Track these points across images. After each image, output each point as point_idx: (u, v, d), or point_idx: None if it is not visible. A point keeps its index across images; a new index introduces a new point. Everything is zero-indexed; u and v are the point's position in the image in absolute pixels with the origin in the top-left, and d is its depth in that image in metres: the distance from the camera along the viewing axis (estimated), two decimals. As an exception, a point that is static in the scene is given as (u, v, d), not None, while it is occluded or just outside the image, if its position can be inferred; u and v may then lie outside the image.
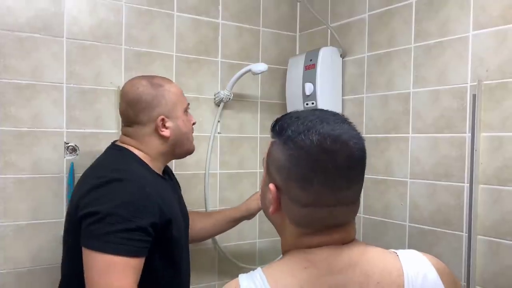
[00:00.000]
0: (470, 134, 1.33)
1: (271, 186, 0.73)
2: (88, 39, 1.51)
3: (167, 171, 1.35)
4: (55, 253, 1.47)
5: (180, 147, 1.28)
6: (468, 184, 1.33)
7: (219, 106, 1.75)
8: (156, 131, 1.22)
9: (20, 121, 1.41)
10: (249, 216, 1.52)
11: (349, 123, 0.74)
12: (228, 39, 1.78)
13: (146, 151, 1.23)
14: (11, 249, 1.41)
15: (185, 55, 1.69)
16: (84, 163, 1.50)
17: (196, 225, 1.48)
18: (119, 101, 1.29)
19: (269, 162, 0.74)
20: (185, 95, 1.66)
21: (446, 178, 1.40)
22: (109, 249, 1.03)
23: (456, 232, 1.37)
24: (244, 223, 1.78)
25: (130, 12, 1.58)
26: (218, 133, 1.77)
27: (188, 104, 1.31)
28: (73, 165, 1.48)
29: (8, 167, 1.40)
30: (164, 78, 1.29)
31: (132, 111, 1.21)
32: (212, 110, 1.76)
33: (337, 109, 1.73)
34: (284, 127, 0.72)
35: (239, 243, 1.81)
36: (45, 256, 1.45)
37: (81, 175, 1.24)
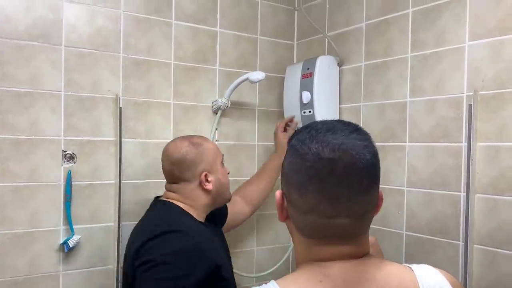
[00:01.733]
0: (466, 144, 1.34)
1: (277, 192, 0.75)
2: (87, 47, 1.51)
3: (210, 217, 1.44)
4: (52, 261, 1.47)
5: (221, 197, 1.41)
6: (465, 193, 1.34)
7: (217, 114, 1.76)
8: (200, 185, 1.35)
9: (17, 129, 1.41)
10: (279, 156, 1.63)
11: (361, 133, 0.72)
12: (226, 47, 1.79)
13: (192, 204, 1.35)
14: (8, 257, 1.40)
15: (183, 63, 1.70)
16: (81, 171, 1.51)
17: (254, 193, 1.66)
18: (162, 161, 1.40)
19: (281, 172, 0.75)
20: (183, 103, 1.69)
21: (443, 187, 1.41)
22: None
23: (453, 241, 1.38)
24: (242, 230, 1.79)
25: (129, 20, 1.59)
26: (216, 140, 1.78)
27: (223, 155, 1.44)
28: (70, 173, 1.48)
29: (6, 175, 1.40)
30: (201, 136, 1.45)
31: (178, 170, 1.35)
32: (210, 118, 1.76)
33: (334, 117, 1.72)
34: (293, 136, 0.74)
35: (236, 251, 1.80)
36: (42, 264, 1.45)
37: (131, 233, 1.35)
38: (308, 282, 0.69)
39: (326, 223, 0.68)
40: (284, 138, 1.69)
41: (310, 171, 0.67)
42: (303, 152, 0.68)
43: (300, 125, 1.70)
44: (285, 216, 0.75)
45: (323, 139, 0.68)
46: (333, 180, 0.67)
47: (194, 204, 1.35)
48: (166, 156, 1.38)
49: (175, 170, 1.35)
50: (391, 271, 0.72)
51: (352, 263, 0.70)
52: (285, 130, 1.75)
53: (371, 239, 1.07)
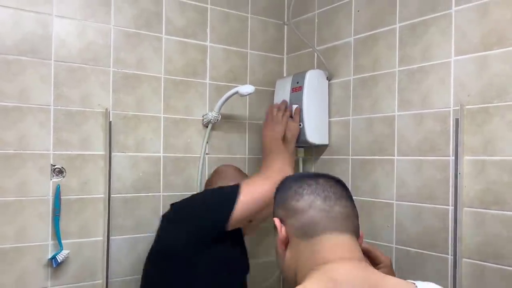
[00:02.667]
0: (453, 157, 1.35)
1: (275, 219, 0.85)
2: (76, 61, 1.52)
3: None
4: (40, 276, 1.46)
5: None
6: (453, 207, 1.35)
7: (207, 127, 1.76)
8: None
9: (6, 144, 1.41)
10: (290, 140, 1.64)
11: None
12: (216, 61, 1.80)
13: None
14: (-6, 273, 1.39)
15: (173, 77, 1.70)
16: (70, 185, 1.50)
17: None
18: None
19: (274, 208, 0.89)
20: (173, 116, 1.70)
21: (431, 201, 1.42)
22: None
23: (442, 255, 1.38)
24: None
25: (118, 35, 1.59)
26: (206, 154, 1.78)
27: None
28: (59, 187, 1.48)
29: (-7, 190, 1.39)
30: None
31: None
32: (200, 131, 1.77)
33: (324, 131, 1.74)
34: (278, 186, 0.92)
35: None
36: (30, 279, 1.44)
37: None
38: None
39: (324, 216, 0.79)
40: (294, 122, 1.65)
41: (300, 185, 0.84)
42: (290, 182, 0.87)
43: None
44: (285, 240, 0.83)
45: (302, 176, 0.90)
46: (320, 185, 0.83)
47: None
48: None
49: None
50: (395, 282, 0.77)
51: (354, 264, 0.76)
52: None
53: (385, 260, 1.10)
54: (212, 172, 1.66)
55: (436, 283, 1.35)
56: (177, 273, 1.30)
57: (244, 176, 1.59)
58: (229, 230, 1.30)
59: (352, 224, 0.81)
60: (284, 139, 1.63)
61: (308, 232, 0.79)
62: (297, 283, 0.77)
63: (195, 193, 1.53)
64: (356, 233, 0.81)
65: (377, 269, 1.09)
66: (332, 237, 0.78)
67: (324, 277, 0.73)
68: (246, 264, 1.48)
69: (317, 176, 0.86)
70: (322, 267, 0.75)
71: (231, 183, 1.42)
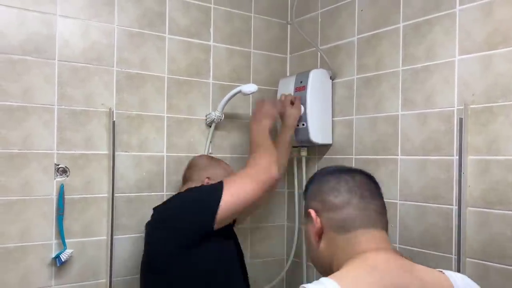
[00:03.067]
0: (457, 157, 1.35)
1: (311, 210, 0.87)
2: (80, 61, 1.52)
3: None
4: (44, 275, 1.46)
5: None
6: (457, 207, 1.35)
7: (210, 126, 1.77)
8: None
9: (10, 143, 1.41)
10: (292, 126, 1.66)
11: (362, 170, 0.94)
12: (219, 61, 1.80)
13: None
14: (-1, 272, 1.40)
15: (177, 77, 1.71)
16: (74, 185, 1.51)
17: None
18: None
19: (307, 201, 0.92)
20: (176, 116, 1.70)
21: (435, 200, 1.41)
22: None
23: (445, 254, 1.38)
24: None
25: (122, 34, 1.60)
26: (210, 153, 1.78)
27: None
28: (63, 186, 1.48)
29: (-2, 189, 1.40)
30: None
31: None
32: (203, 131, 1.77)
33: (327, 130, 1.74)
34: (310, 179, 0.95)
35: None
36: (34, 278, 1.44)
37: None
38: (360, 273, 0.77)
39: (360, 213, 0.83)
40: (295, 108, 1.65)
41: (337, 181, 0.87)
42: (327, 174, 0.90)
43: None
44: (319, 231, 0.86)
45: (336, 169, 0.92)
46: (356, 183, 0.86)
47: None
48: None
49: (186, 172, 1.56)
50: (424, 268, 0.82)
51: (391, 252, 0.81)
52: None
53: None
54: (187, 165, 1.60)
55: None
56: (170, 280, 1.30)
57: (218, 164, 1.57)
58: (215, 229, 1.29)
59: (384, 219, 0.86)
60: (283, 125, 1.64)
61: (345, 227, 0.83)
62: (333, 272, 0.80)
63: (175, 193, 1.51)
64: (386, 228, 0.86)
65: None
66: (367, 232, 0.82)
67: (364, 264, 0.78)
68: (239, 251, 1.48)
69: (353, 171, 0.90)
70: (361, 256, 0.79)
71: (207, 175, 1.47)
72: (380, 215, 0.85)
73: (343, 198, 0.84)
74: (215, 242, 1.31)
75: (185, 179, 1.56)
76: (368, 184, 0.87)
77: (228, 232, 1.44)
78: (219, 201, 1.27)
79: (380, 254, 0.80)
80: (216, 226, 1.28)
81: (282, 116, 1.65)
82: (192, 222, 1.29)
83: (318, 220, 0.86)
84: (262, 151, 1.42)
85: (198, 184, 1.47)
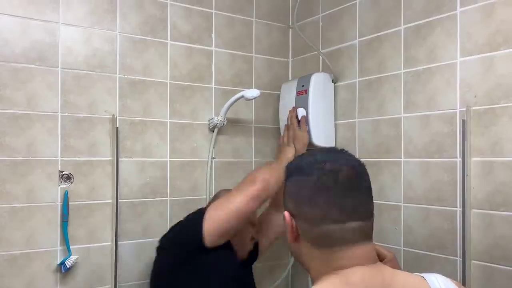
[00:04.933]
0: (461, 159, 1.34)
1: (285, 213, 0.80)
2: (83, 68, 1.53)
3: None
4: (49, 282, 1.47)
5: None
6: (461, 209, 1.34)
7: (213, 131, 1.77)
8: None
9: (14, 151, 1.42)
10: (301, 151, 1.63)
11: (347, 152, 0.84)
12: (221, 66, 1.81)
13: None
14: (4, 278, 1.40)
15: (179, 82, 1.71)
16: (78, 191, 1.51)
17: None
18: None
19: (284, 197, 0.83)
20: (179, 121, 1.71)
21: (439, 203, 1.41)
22: None
23: (450, 257, 1.37)
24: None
25: (124, 41, 1.61)
26: (213, 158, 1.78)
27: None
28: (67, 193, 1.49)
29: (2, 197, 1.40)
30: None
31: None
32: (206, 135, 1.77)
33: (330, 133, 1.74)
34: (291, 163, 0.85)
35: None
36: (39, 285, 1.45)
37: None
38: None
39: (339, 229, 0.75)
40: (303, 131, 1.66)
41: (317, 184, 0.77)
42: (308, 172, 0.78)
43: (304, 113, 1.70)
44: (295, 236, 0.80)
45: (322, 158, 0.79)
46: (338, 189, 0.76)
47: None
48: None
49: None
50: (405, 278, 0.78)
51: (370, 268, 0.75)
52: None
53: (389, 254, 1.10)
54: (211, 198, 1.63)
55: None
56: None
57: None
58: (209, 245, 1.30)
59: (367, 226, 0.77)
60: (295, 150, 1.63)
61: (321, 244, 0.76)
62: (311, 275, 0.78)
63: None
64: (370, 235, 0.78)
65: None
66: (345, 249, 0.75)
67: (338, 282, 0.74)
68: (235, 261, 1.46)
69: (338, 166, 0.77)
70: (337, 272, 0.75)
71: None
72: (362, 224, 0.76)
73: (320, 212, 0.75)
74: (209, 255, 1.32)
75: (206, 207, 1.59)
76: (351, 183, 0.77)
77: (234, 269, 1.42)
78: (203, 214, 1.31)
79: (358, 272, 0.74)
80: (208, 240, 1.29)
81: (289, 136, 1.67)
82: (183, 238, 1.36)
83: (295, 226, 0.79)
84: (264, 168, 1.47)
85: None
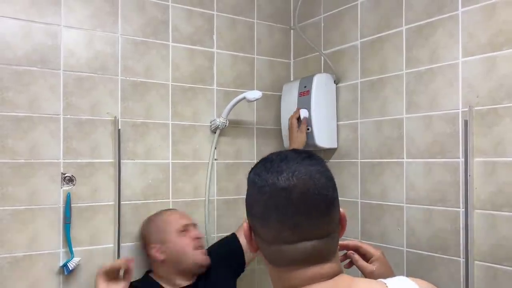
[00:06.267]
0: (463, 159, 1.34)
1: (244, 224, 0.77)
2: (85, 71, 1.54)
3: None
4: (52, 284, 1.47)
5: (184, 264, 1.48)
6: (464, 209, 1.34)
7: (215, 133, 1.77)
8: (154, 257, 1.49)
9: (17, 153, 1.42)
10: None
11: (313, 159, 0.75)
12: (223, 68, 1.81)
13: (158, 275, 1.52)
14: (7, 280, 1.40)
15: (181, 84, 1.71)
16: (80, 193, 1.52)
17: None
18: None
19: (246, 205, 0.78)
20: (181, 123, 1.70)
21: (442, 203, 1.40)
22: None
23: (454, 258, 1.37)
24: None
25: (126, 43, 1.61)
26: (215, 159, 1.78)
27: (185, 225, 1.50)
28: (69, 195, 1.49)
29: (5, 199, 1.41)
30: (166, 210, 1.60)
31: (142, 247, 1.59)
32: (208, 137, 1.77)
33: (332, 134, 1.74)
34: (251, 170, 0.77)
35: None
36: (42, 287, 1.45)
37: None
38: None
39: (292, 249, 0.71)
40: (301, 132, 1.67)
41: (268, 202, 0.71)
42: (260, 185, 0.72)
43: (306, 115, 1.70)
44: (255, 247, 0.77)
45: (277, 169, 0.72)
46: (291, 208, 0.70)
47: (159, 274, 1.51)
48: None
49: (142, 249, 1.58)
50: (367, 285, 0.75)
51: (324, 284, 0.71)
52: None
53: (376, 252, 1.08)
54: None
55: (449, 286, 1.35)
56: None
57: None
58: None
59: (324, 246, 0.72)
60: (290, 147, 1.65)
61: (275, 262, 0.73)
62: None
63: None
64: (328, 252, 0.72)
65: (369, 263, 1.08)
66: (298, 270, 0.71)
67: None
68: None
69: (291, 188, 0.70)
70: None
71: None
72: (317, 244, 0.70)
73: (272, 231, 0.71)
74: None
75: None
76: (306, 201, 0.70)
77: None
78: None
79: (310, 286, 0.71)
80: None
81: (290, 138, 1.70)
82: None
83: (254, 239, 0.76)
84: None
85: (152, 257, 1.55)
